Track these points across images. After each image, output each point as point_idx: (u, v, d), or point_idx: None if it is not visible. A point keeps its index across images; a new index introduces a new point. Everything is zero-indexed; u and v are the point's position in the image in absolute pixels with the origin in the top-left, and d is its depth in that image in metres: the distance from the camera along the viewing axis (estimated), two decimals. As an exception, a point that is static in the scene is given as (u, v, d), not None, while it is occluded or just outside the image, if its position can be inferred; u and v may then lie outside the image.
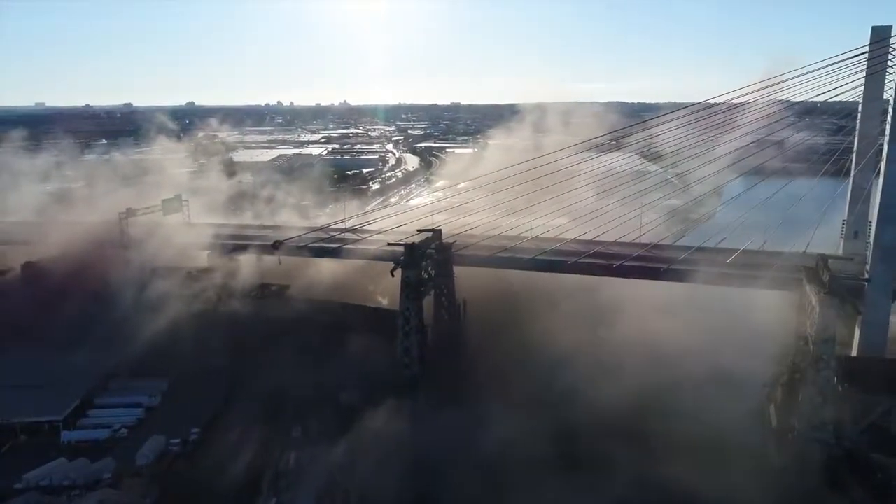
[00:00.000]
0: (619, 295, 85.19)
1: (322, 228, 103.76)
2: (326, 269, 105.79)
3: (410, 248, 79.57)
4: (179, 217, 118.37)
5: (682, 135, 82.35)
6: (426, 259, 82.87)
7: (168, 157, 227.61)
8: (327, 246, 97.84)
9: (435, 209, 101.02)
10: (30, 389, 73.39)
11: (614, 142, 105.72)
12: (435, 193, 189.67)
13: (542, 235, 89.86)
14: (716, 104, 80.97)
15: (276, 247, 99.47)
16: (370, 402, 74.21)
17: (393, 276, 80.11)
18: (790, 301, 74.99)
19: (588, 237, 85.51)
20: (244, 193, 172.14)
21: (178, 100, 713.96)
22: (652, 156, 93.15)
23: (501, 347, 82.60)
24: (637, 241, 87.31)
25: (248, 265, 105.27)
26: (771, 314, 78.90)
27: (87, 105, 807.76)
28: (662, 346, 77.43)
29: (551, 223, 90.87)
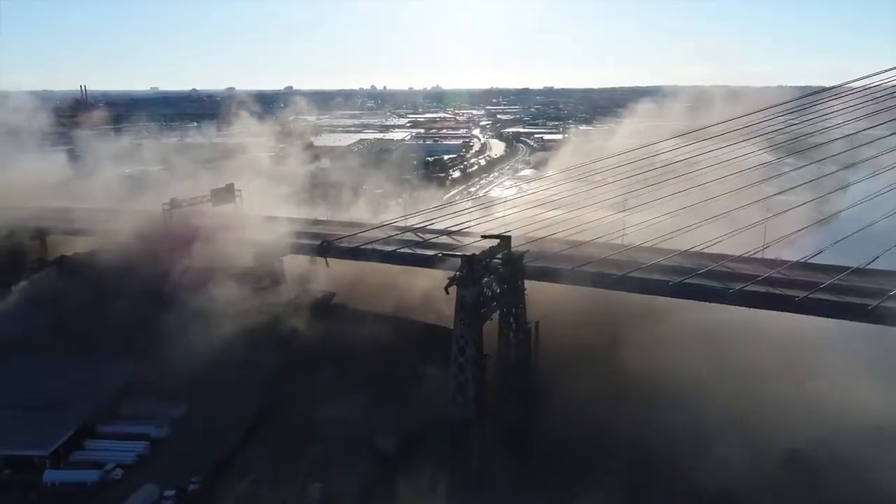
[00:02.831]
0: (744, 312, 66.60)
1: (380, 226, 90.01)
2: (390, 273, 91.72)
3: (469, 260, 63.97)
4: (232, 208, 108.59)
5: (849, 120, 62.28)
6: (490, 273, 67.06)
7: (248, 140, 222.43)
8: (381, 249, 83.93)
9: (514, 205, 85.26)
10: (30, 411, 63.64)
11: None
12: (519, 185, 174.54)
13: (641, 244, 71.50)
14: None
15: (324, 248, 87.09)
16: (411, 450, 60.30)
17: (447, 293, 64.96)
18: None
19: (696, 247, 67.55)
20: (316, 180, 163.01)
21: (278, 84, 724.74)
22: (798, 148, 72.74)
23: (586, 384, 65.68)
24: (762, 255, 68.53)
25: (296, 267, 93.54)
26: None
27: (194, 89, 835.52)
28: (803, 387, 59.21)
29: (654, 227, 72.22)
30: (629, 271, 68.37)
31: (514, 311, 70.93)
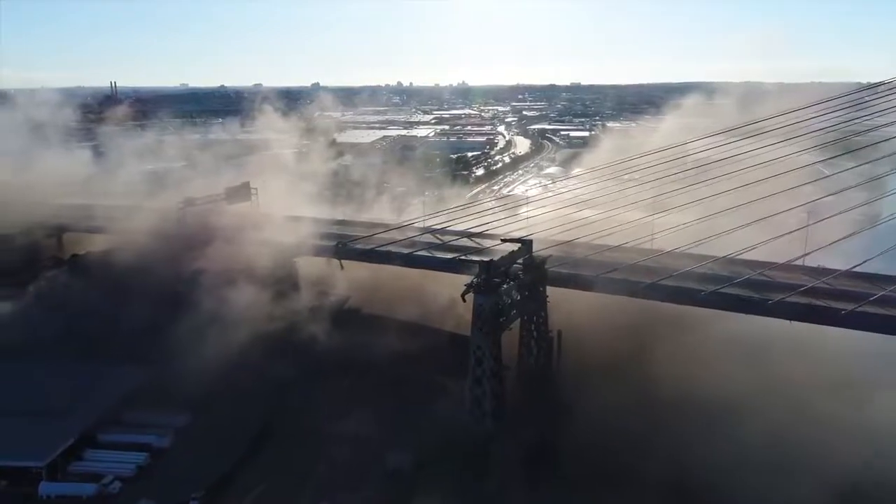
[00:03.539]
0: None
1: (398, 227, 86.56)
2: (408, 277, 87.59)
3: (487, 266, 60.21)
4: (247, 207, 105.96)
5: None
6: (510, 279, 63.20)
7: (272, 136, 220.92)
8: (397, 251, 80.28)
9: (538, 205, 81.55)
10: (31, 419, 61.04)
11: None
12: (544, 184, 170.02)
13: (673, 249, 66.64)
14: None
15: (339, 249, 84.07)
16: (425, 469, 56.76)
17: (464, 301, 61.34)
18: None
19: (734, 253, 62.94)
20: (337, 178, 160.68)
21: (305, 81, 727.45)
22: (849, 147, 67.52)
23: (613, 397, 60.68)
24: (803, 262, 63.56)
25: (310, 269, 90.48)
26: None
27: (222, 85, 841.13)
28: (857, 405, 54.43)
29: (687, 231, 67.21)
30: (660, 279, 63.94)
31: (535, 319, 67.26)
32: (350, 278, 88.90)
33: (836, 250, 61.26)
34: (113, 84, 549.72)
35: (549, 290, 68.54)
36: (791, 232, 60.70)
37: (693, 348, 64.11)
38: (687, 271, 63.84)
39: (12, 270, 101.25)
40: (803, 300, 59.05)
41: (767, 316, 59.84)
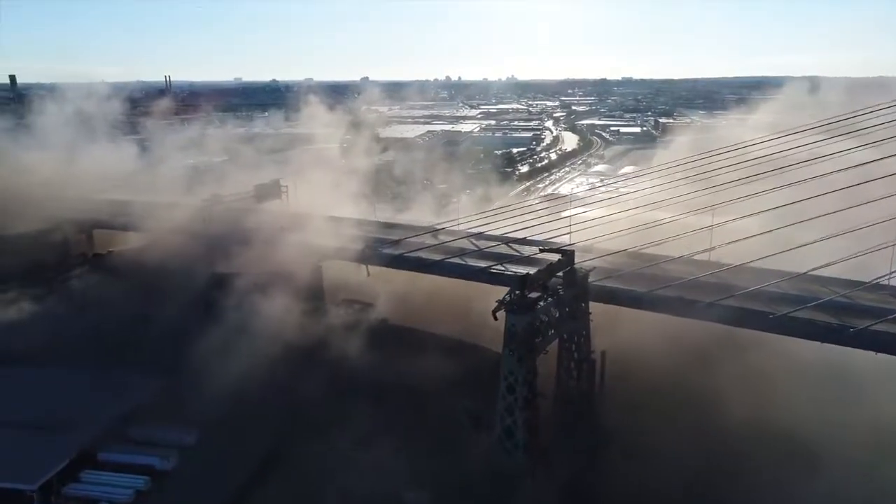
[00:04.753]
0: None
1: (431, 231, 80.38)
2: (442, 286, 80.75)
3: (521, 281, 53.32)
4: (278, 205, 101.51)
5: None
6: (548, 296, 56.15)
7: (316, 130, 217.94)
8: (425, 258, 74.01)
9: (582, 208, 74.82)
10: (30, 434, 57.32)
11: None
12: (591, 182, 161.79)
13: (739, 264, 58.05)
14: None
15: (364, 253, 78.48)
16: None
17: (496, 318, 54.56)
18: None
19: (811, 270, 54.57)
20: (376, 174, 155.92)
21: (355, 75, 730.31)
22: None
23: (666, 428, 54.20)
24: (888, 280, 54.67)
25: (333, 274, 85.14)
26: None
27: (274, 80, 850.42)
28: None
29: (754, 244, 58.70)
30: (721, 298, 55.95)
31: (576, 339, 59.98)
32: (382, 286, 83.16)
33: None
34: (167, 78, 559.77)
35: (593, 305, 61.30)
36: (879, 248, 51.82)
37: (766, 373, 56.34)
38: (754, 290, 55.75)
39: (44, 268, 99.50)
40: (892, 329, 50.44)
41: (848, 346, 51.39)
